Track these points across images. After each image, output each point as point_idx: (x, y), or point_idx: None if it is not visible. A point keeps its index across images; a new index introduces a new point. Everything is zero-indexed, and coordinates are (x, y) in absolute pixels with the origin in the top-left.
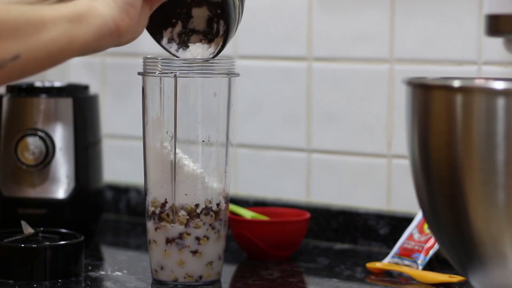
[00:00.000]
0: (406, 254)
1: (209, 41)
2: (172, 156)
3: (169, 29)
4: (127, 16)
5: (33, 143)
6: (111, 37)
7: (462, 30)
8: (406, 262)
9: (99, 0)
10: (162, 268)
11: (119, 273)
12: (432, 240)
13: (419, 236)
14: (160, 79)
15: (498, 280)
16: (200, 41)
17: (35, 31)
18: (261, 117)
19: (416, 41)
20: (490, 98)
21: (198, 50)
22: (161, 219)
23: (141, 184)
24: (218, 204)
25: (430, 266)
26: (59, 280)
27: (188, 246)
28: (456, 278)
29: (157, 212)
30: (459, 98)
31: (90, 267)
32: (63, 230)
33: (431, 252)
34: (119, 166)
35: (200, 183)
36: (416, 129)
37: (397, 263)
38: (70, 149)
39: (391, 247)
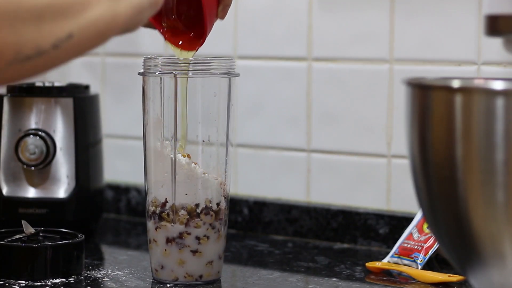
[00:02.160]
0: (406, 253)
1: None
2: (172, 155)
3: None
4: None
5: (33, 143)
6: (151, 8)
7: (461, 30)
8: (406, 262)
9: None
10: (162, 267)
11: (120, 273)
12: (432, 240)
13: (418, 236)
14: (161, 79)
15: (497, 279)
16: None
17: (83, 9)
18: (261, 117)
19: (416, 41)
20: (490, 98)
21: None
22: (161, 218)
23: (141, 184)
24: (218, 204)
25: (429, 265)
26: (60, 280)
27: (188, 246)
28: (455, 278)
29: (157, 211)
30: (458, 98)
31: (90, 267)
32: (64, 230)
33: (430, 252)
34: (119, 166)
35: (200, 182)
36: (416, 129)
37: (396, 263)
38: (70, 149)
39: (390, 246)
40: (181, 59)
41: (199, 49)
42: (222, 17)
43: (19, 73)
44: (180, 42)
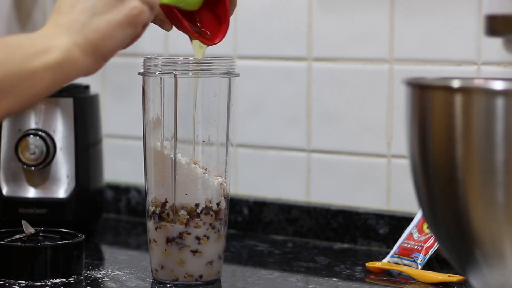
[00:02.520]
0: (406, 253)
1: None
2: (172, 155)
3: None
4: (99, 66)
5: (33, 143)
6: (78, 78)
7: (461, 30)
8: (406, 262)
9: (78, 47)
10: (162, 267)
11: (120, 273)
12: (432, 240)
13: (418, 236)
14: (161, 79)
15: (497, 279)
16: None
17: (27, 87)
18: (261, 117)
19: (416, 41)
20: (490, 98)
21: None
22: (161, 218)
23: (141, 184)
24: (218, 204)
25: (429, 265)
26: (60, 280)
27: (188, 246)
28: (455, 278)
29: (157, 211)
30: (458, 98)
31: (90, 267)
32: (64, 230)
33: (430, 252)
34: (119, 166)
35: (200, 182)
36: (416, 129)
37: (396, 263)
38: (70, 149)
39: (390, 246)
40: (181, 59)
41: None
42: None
43: None
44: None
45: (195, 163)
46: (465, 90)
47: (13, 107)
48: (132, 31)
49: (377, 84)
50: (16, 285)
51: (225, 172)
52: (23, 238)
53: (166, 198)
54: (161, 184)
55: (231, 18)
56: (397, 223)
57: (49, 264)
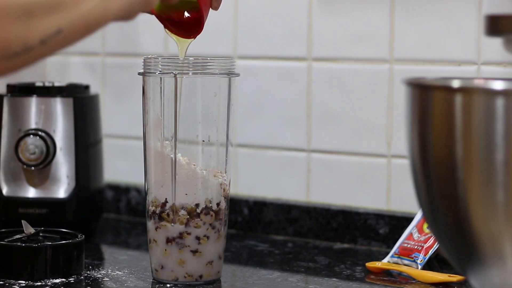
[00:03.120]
0: (406, 253)
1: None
2: (172, 155)
3: None
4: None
5: (33, 143)
6: (141, 5)
7: (461, 30)
8: (406, 262)
9: None
10: (162, 267)
11: (120, 273)
12: (432, 240)
13: (418, 236)
14: (161, 79)
15: (497, 279)
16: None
17: (75, 4)
18: (261, 117)
19: (416, 41)
20: (490, 98)
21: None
22: (161, 218)
23: (141, 184)
24: (218, 204)
25: (429, 265)
26: (60, 280)
27: (188, 246)
28: (455, 278)
29: (157, 211)
30: (458, 98)
31: (90, 267)
32: (64, 230)
33: (430, 252)
34: (119, 166)
35: (200, 182)
36: (416, 129)
37: (396, 263)
38: (70, 149)
39: (390, 246)
40: (181, 59)
41: (197, 39)
42: (216, 8)
43: (5, 69)
44: (178, 29)
45: (195, 164)
46: (465, 90)
47: (63, 24)
48: None
49: (377, 84)
50: (16, 285)
51: (225, 172)
52: (23, 238)
53: (166, 198)
54: (161, 184)
55: (231, 18)
56: (397, 223)
57: (49, 264)
